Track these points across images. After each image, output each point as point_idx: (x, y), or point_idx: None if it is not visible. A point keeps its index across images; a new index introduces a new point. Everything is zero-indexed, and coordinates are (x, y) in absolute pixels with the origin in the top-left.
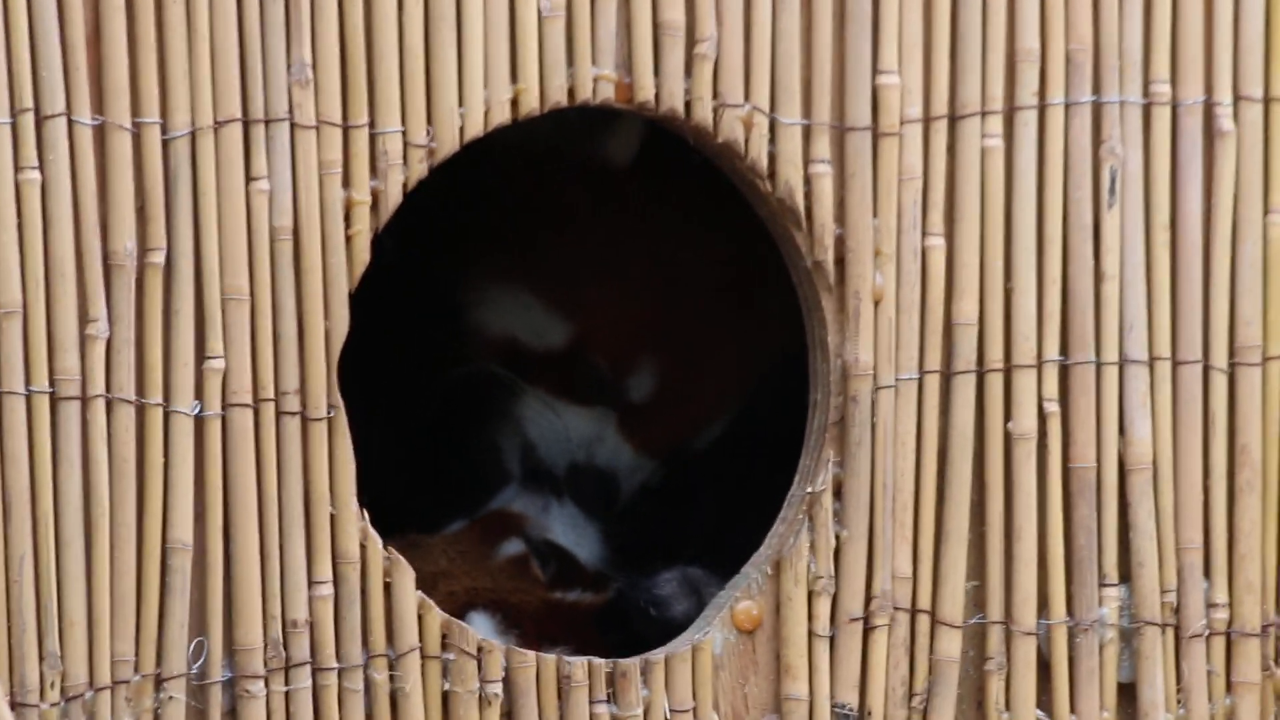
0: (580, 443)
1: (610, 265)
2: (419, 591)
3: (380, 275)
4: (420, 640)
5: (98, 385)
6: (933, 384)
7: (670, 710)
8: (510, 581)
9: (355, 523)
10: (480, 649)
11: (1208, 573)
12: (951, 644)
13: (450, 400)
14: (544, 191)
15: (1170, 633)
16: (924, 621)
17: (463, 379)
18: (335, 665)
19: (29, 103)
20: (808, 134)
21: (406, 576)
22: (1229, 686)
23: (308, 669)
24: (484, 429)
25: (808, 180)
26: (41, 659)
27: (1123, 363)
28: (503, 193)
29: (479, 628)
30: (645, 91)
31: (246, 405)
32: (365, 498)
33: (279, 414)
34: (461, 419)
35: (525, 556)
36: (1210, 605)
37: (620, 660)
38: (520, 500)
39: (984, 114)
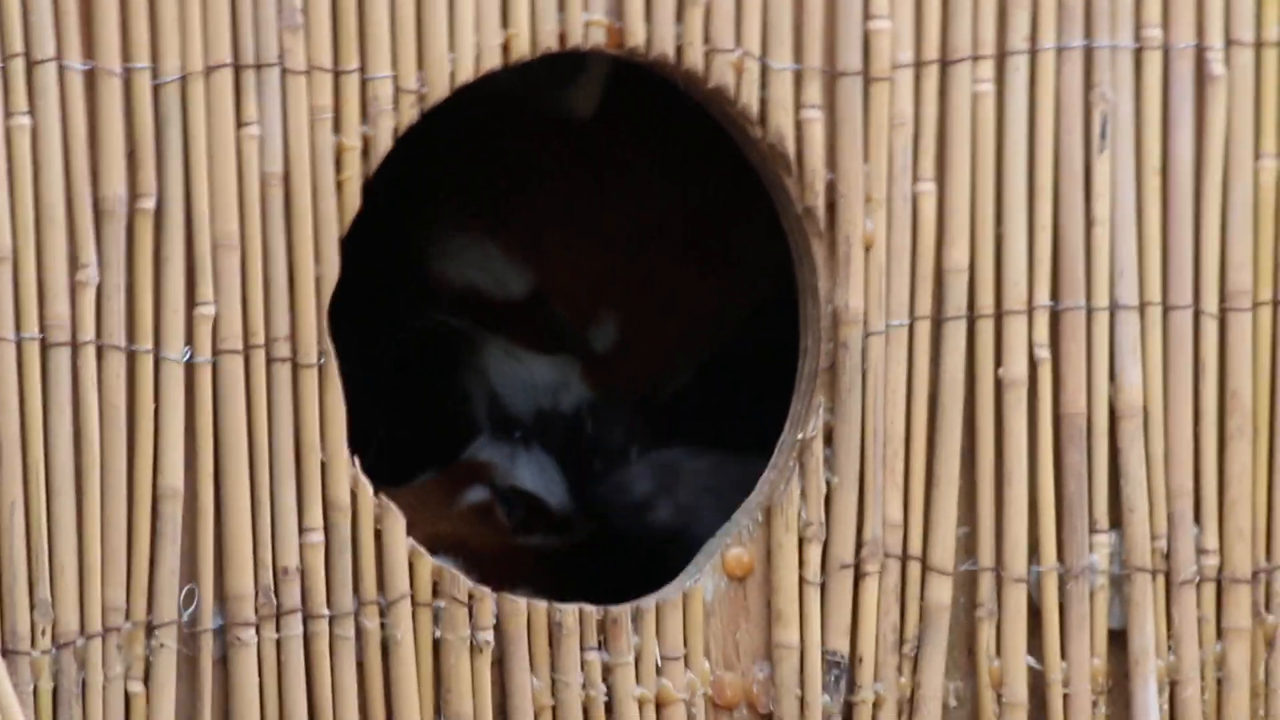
0: (545, 390)
1: (574, 215)
2: (409, 539)
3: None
4: (411, 587)
5: (88, 332)
6: (923, 330)
7: (661, 657)
8: (470, 527)
9: (346, 470)
10: (471, 596)
11: (1198, 519)
12: (942, 591)
13: (411, 352)
14: (508, 141)
15: (1161, 579)
16: (915, 568)
17: (419, 332)
18: (326, 613)
19: (19, 48)
20: (799, 79)
21: (397, 524)
22: (1219, 632)
23: (299, 616)
24: (452, 377)
25: (798, 125)
26: (32, 607)
27: (1113, 308)
28: (465, 142)
29: None
30: (636, 36)
31: (237, 352)
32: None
33: (269, 360)
34: (426, 369)
35: (489, 503)
36: (1201, 551)
37: (611, 607)
38: (488, 450)
39: (975, 59)
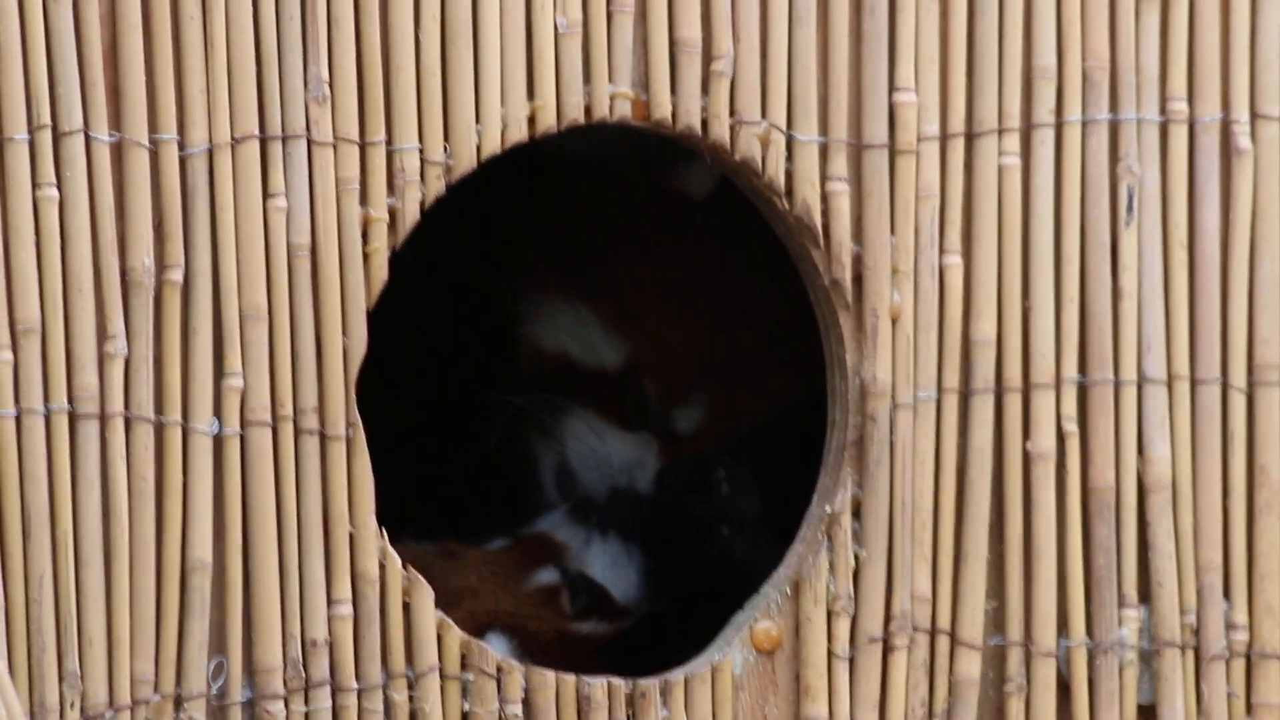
0: (622, 468)
1: (673, 293)
2: (438, 611)
3: (431, 278)
4: (440, 660)
5: (116, 403)
6: (951, 403)
7: None
8: (533, 609)
9: (374, 542)
10: (500, 669)
11: (1227, 594)
12: (971, 665)
13: (500, 427)
14: (615, 213)
15: (1190, 654)
16: (943, 642)
17: (514, 410)
18: (355, 685)
19: (46, 119)
20: (825, 151)
21: (425, 596)
22: (1249, 709)
23: (327, 689)
24: (524, 444)
25: (825, 198)
26: (61, 679)
27: (1141, 382)
28: (571, 208)
29: (494, 649)
30: (662, 109)
31: (265, 424)
32: (408, 500)
33: (297, 432)
34: (505, 434)
35: (557, 588)
36: (1230, 626)
37: (640, 680)
38: (565, 530)
39: (1001, 132)
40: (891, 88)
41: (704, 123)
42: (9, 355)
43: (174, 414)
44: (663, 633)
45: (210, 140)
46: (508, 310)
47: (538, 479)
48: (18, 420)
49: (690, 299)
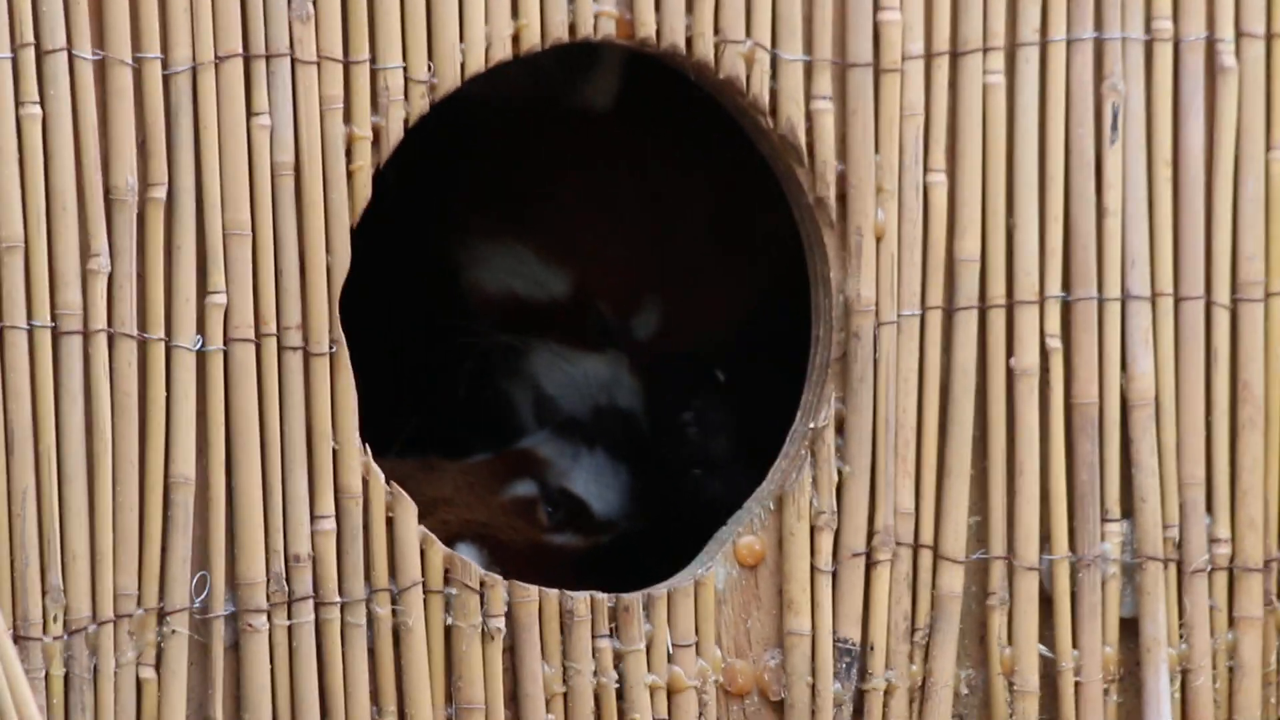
0: (600, 387)
1: (601, 209)
2: (421, 526)
3: (385, 235)
4: (423, 575)
5: (99, 320)
6: (935, 320)
7: (672, 645)
8: (506, 519)
9: (358, 457)
10: (483, 583)
11: (1210, 508)
12: (954, 579)
13: (464, 367)
14: (525, 142)
15: (1172, 568)
16: (926, 557)
17: (475, 352)
18: (338, 599)
19: (30, 37)
20: (809, 70)
21: (409, 511)
22: (1231, 621)
23: (310, 603)
24: (496, 386)
25: (809, 116)
26: (44, 593)
27: (1125, 299)
28: (481, 146)
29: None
30: (646, 27)
31: (248, 340)
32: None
33: (281, 349)
34: (473, 382)
35: (534, 500)
36: (1212, 541)
37: (622, 595)
38: (549, 445)
39: (986, 50)
40: (876, 6)
41: (688, 41)
42: None
43: (157, 330)
44: (640, 550)
45: (194, 59)
46: (451, 259)
47: (517, 417)
48: (1, 336)
49: (620, 210)
